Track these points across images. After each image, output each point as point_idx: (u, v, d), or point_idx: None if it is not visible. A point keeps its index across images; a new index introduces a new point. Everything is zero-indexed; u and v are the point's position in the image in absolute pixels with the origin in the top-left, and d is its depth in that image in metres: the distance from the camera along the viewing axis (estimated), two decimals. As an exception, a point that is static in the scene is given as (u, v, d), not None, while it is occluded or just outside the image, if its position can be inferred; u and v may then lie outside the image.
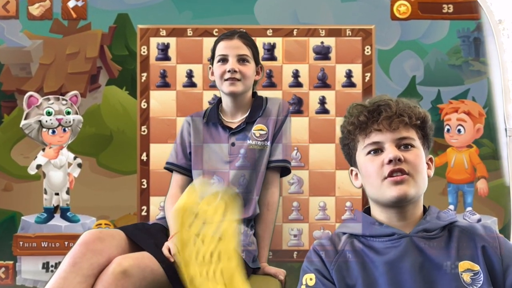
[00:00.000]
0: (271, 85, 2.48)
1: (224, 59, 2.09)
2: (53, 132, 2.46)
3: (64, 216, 2.47)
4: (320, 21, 2.49)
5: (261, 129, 2.11)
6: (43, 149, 2.47)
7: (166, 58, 2.49)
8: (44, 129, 2.46)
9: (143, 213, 2.45)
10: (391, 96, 1.44)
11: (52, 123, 2.45)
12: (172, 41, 2.49)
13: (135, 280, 1.70)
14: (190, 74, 2.49)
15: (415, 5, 2.47)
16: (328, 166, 2.45)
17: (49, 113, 2.45)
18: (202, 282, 1.17)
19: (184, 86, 2.49)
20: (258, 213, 2.10)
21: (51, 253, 2.43)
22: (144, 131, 2.48)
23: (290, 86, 2.49)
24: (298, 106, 2.48)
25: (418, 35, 2.48)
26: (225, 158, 2.10)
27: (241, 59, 2.09)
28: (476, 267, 1.33)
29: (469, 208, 2.44)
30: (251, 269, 2.02)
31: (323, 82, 2.49)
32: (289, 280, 2.07)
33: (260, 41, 2.43)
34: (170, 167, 2.16)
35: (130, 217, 2.45)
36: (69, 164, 2.48)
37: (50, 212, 2.46)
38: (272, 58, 2.49)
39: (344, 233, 1.45)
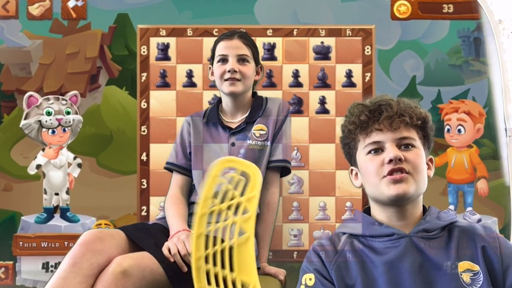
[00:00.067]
0: (271, 85, 2.48)
1: (224, 59, 2.09)
2: (53, 132, 2.46)
3: (64, 216, 2.47)
4: (320, 21, 2.49)
5: (261, 129, 2.11)
6: (43, 149, 2.47)
7: (166, 58, 2.49)
8: (44, 129, 2.46)
9: (143, 213, 2.45)
10: (392, 96, 1.45)
11: (52, 123, 2.45)
12: (172, 41, 2.49)
13: (135, 280, 1.70)
14: (190, 74, 2.49)
15: (415, 5, 2.47)
16: (328, 166, 2.45)
17: (49, 113, 2.45)
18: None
19: (184, 86, 2.49)
20: (258, 213, 2.10)
21: (51, 253, 2.43)
22: (144, 131, 2.47)
23: (290, 86, 2.49)
24: (298, 106, 2.47)
25: (418, 35, 2.48)
26: (225, 158, 2.10)
27: (241, 59, 2.09)
28: (476, 267, 1.33)
29: (469, 208, 2.44)
30: (251, 269, 2.01)
31: (323, 82, 2.48)
32: (289, 280, 2.07)
33: (260, 41, 2.43)
34: (170, 167, 2.16)
35: (130, 217, 2.44)
36: (69, 164, 2.48)
37: (50, 212, 2.46)
38: (272, 58, 2.49)
39: (344, 233, 1.45)
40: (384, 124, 1.39)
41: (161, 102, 2.48)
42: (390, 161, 1.36)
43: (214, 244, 1.13)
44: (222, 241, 1.14)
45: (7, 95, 2.48)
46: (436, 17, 2.47)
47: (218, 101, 2.19)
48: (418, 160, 1.38)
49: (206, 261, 1.13)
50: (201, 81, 2.48)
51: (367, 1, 2.49)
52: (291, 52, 2.49)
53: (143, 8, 2.48)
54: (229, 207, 1.16)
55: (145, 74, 2.49)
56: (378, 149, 1.40)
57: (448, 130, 2.46)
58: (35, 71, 2.48)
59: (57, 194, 2.47)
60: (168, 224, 2.00)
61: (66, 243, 2.42)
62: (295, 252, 2.44)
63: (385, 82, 2.47)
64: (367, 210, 1.47)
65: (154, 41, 2.49)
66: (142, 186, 2.46)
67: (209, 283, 1.12)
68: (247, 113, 2.13)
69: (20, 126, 2.45)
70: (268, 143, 2.10)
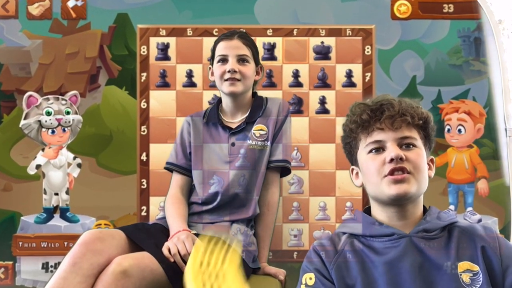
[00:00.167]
0: (271, 85, 2.48)
1: (224, 59, 2.09)
2: (53, 132, 2.46)
3: (63, 216, 2.46)
4: (320, 21, 2.48)
5: (261, 129, 2.11)
6: (43, 149, 2.47)
7: (166, 58, 2.49)
8: (43, 129, 2.46)
9: (143, 213, 2.45)
10: (393, 96, 1.45)
11: (51, 123, 2.45)
12: (172, 41, 2.49)
13: (135, 280, 1.70)
14: (190, 74, 2.49)
15: (415, 4, 2.47)
16: (328, 166, 2.45)
17: (48, 113, 2.45)
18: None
19: (184, 86, 2.49)
20: (258, 213, 2.10)
21: (50, 253, 2.43)
22: (144, 131, 2.47)
23: (290, 86, 2.49)
24: (298, 106, 2.47)
25: (419, 35, 2.48)
26: (225, 158, 2.10)
27: (241, 59, 2.09)
28: (476, 268, 1.33)
29: (469, 208, 2.44)
30: (251, 269, 2.02)
31: (323, 82, 2.48)
32: (289, 280, 2.07)
33: (260, 41, 2.42)
34: (170, 167, 2.16)
35: (129, 217, 2.44)
36: (69, 164, 2.48)
37: (50, 212, 2.46)
38: (272, 58, 2.49)
39: (344, 233, 1.45)
40: (386, 123, 1.39)
41: (161, 102, 2.48)
42: (391, 160, 1.36)
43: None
44: None
45: (6, 95, 2.48)
46: (437, 17, 2.47)
47: (218, 101, 2.19)
48: (419, 160, 1.39)
49: None
50: (201, 81, 2.48)
51: (367, 1, 2.48)
52: (291, 52, 2.49)
53: (143, 8, 2.48)
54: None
55: (145, 74, 2.48)
56: (379, 148, 1.40)
57: (449, 130, 2.46)
58: (35, 71, 2.47)
59: (56, 194, 2.47)
60: (168, 224, 2.00)
61: (65, 243, 2.42)
62: (295, 252, 2.44)
63: (385, 82, 2.47)
64: (367, 210, 1.47)
65: (154, 41, 2.49)
66: (142, 186, 2.46)
67: None
68: (247, 113, 2.13)
69: (20, 126, 2.45)
70: (268, 143, 2.10)
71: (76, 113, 2.47)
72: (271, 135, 2.11)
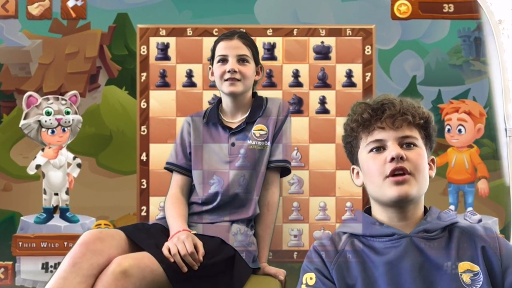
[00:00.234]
0: (271, 85, 2.48)
1: (224, 60, 2.09)
2: (53, 132, 2.46)
3: (63, 217, 2.46)
4: (320, 21, 2.48)
5: (261, 129, 2.11)
6: (43, 149, 2.47)
7: (166, 57, 2.49)
8: (43, 129, 2.45)
9: (143, 213, 2.45)
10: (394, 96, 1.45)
11: (51, 123, 2.45)
12: (171, 40, 2.49)
13: (135, 280, 1.70)
14: (190, 74, 2.49)
15: (415, 4, 2.47)
16: (328, 166, 2.45)
17: (48, 113, 2.44)
18: None
19: (184, 86, 2.49)
20: (258, 213, 2.10)
21: (50, 254, 2.43)
22: (143, 131, 2.47)
23: (290, 86, 2.49)
24: (298, 106, 2.47)
25: (419, 35, 2.48)
26: (225, 158, 2.10)
27: (241, 59, 2.09)
28: (476, 268, 1.33)
29: (469, 209, 2.44)
30: (251, 269, 2.01)
31: (323, 82, 2.48)
32: (289, 280, 2.07)
33: (260, 41, 2.42)
34: (170, 167, 2.15)
35: (129, 217, 2.44)
36: (69, 164, 2.48)
37: (50, 212, 2.46)
38: (272, 58, 2.49)
39: (345, 233, 1.45)
40: (387, 122, 1.39)
41: (161, 102, 2.48)
42: (392, 159, 1.36)
43: None
44: None
45: (6, 95, 2.48)
46: (437, 17, 2.47)
47: (218, 101, 2.19)
48: (420, 159, 1.38)
49: None
50: (201, 81, 2.48)
51: (368, 1, 2.48)
52: (291, 52, 2.49)
53: (143, 7, 2.48)
54: None
55: (144, 74, 2.48)
56: (380, 147, 1.40)
57: (449, 130, 2.46)
58: (35, 71, 2.47)
59: (56, 194, 2.47)
60: (168, 224, 2.00)
61: (65, 243, 2.42)
62: (295, 253, 2.44)
63: (386, 82, 2.47)
64: (368, 210, 1.47)
65: (153, 41, 2.49)
66: (142, 186, 2.46)
67: None
68: (247, 113, 2.13)
69: (20, 126, 2.44)
70: (268, 143, 2.10)
71: (76, 113, 2.47)
72: (271, 135, 2.10)
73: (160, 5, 2.48)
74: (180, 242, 1.83)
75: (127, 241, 1.86)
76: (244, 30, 2.24)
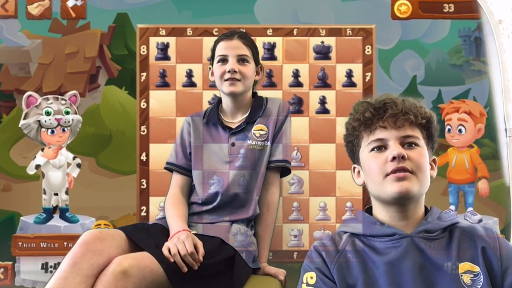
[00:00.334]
0: (271, 85, 2.48)
1: (224, 60, 2.09)
2: (52, 132, 2.45)
3: (63, 217, 2.46)
4: (321, 21, 2.48)
5: (261, 129, 2.11)
6: (42, 149, 2.46)
7: (166, 57, 2.49)
8: (43, 129, 2.45)
9: (143, 214, 2.45)
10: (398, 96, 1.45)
11: (51, 123, 2.45)
12: (171, 40, 2.49)
13: (135, 280, 1.69)
14: (189, 74, 2.49)
15: (415, 4, 2.47)
16: (328, 166, 2.45)
17: (48, 113, 2.44)
18: None
19: (184, 85, 2.49)
20: (258, 213, 2.09)
21: (50, 254, 2.42)
22: (143, 131, 2.47)
23: (290, 86, 2.48)
24: (298, 106, 2.47)
25: (419, 35, 2.48)
26: (225, 158, 2.09)
27: (241, 59, 2.09)
28: (476, 269, 1.33)
29: (470, 209, 2.44)
30: (251, 269, 2.01)
31: (324, 82, 2.48)
32: (289, 280, 2.07)
33: (260, 41, 2.42)
34: (170, 167, 2.15)
35: (129, 218, 2.44)
36: (68, 164, 2.47)
37: (49, 213, 2.46)
38: (272, 57, 2.49)
39: (345, 232, 1.44)
40: (389, 121, 1.39)
41: (160, 102, 2.48)
42: (393, 158, 1.35)
43: None
44: None
45: (6, 95, 2.47)
46: (437, 17, 2.46)
47: (218, 101, 2.19)
48: (421, 159, 1.38)
49: None
50: (201, 81, 2.48)
51: (368, 1, 2.48)
52: (291, 52, 2.49)
53: (143, 7, 2.48)
54: None
55: (144, 73, 2.48)
56: (381, 146, 1.40)
57: (449, 130, 2.46)
58: (34, 71, 2.47)
59: (56, 194, 2.46)
60: (168, 224, 2.00)
61: (65, 243, 2.42)
62: (295, 253, 2.44)
63: (386, 82, 2.47)
64: (368, 210, 1.47)
65: (153, 41, 2.49)
66: (142, 186, 2.46)
67: None
68: (247, 113, 2.13)
69: (19, 126, 2.44)
70: (268, 143, 2.10)
71: (76, 113, 2.47)
72: (271, 135, 2.10)
73: (160, 5, 2.48)
74: (180, 242, 1.83)
75: (127, 241, 1.85)
76: (244, 30, 2.24)
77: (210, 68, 2.17)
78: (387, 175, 1.36)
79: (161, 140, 2.45)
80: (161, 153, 2.37)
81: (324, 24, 2.48)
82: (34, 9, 2.47)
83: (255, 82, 2.18)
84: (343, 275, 1.36)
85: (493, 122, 2.45)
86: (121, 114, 2.49)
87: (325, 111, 2.47)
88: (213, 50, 2.15)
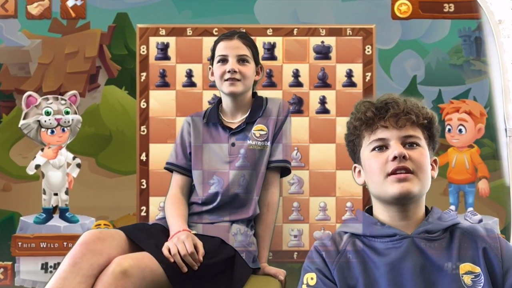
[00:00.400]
0: (271, 84, 2.48)
1: (224, 60, 2.09)
2: (52, 132, 2.45)
3: (63, 217, 2.46)
4: (321, 21, 2.48)
5: (261, 129, 2.11)
6: (42, 149, 2.46)
7: (166, 57, 2.49)
8: (43, 129, 2.45)
9: (143, 214, 2.45)
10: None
11: (51, 123, 2.45)
12: (171, 40, 2.48)
13: (135, 280, 1.69)
14: (189, 74, 2.49)
15: (416, 4, 2.47)
16: (328, 166, 2.45)
17: (48, 113, 2.44)
18: None
19: (184, 85, 2.48)
20: (258, 213, 2.09)
21: (50, 254, 2.42)
22: (143, 131, 2.47)
23: (290, 85, 2.48)
24: (298, 106, 2.47)
25: (419, 35, 2.48)
26: (225, 158, 2.09)
27: (241, 59, 2.09)
28: (477, 269, 1.33)
29: (470, 209, 2.44)
30: (251, 270, 2.01)
31: (324, 82, 2.48)
32: (289, 281, 2.06)
33: (260, 41, 2.42)
34: (170, 167, 2.15)
35: (129, 218, 2.44)
36: (68, 164, 2.47)
37: (49, 213, 2.46)
38: (272, 57, 2.49)
39: (346, 233, 1.44)
40: (390, 121, 1.39)
41: (160, 102, 2.48)
42: (394, 158, 1.35)
43: None
44: None
45: (6, 94, 2.47)
46: (437, 17, 2.46)
47: (218, 101, 2.19)
48: (422, 159, 1.38)
49: None
50: (201, 80, 2.48)
51: (368, 1, 2.48)
52: (291, 52, 2.48)
53: (143, 7, 2.48)
54: None
55: (144, 73, 2.48)
56: (382, 146, 1.40)
57: (449, 130, 2.46)
58: (34, 71, 2.47)
59: (56, 194, 2.46)
60: (168, 224, 2.00)
61: (65, 243, 2.42)
62: (295, 253, 2.44)
63: (386, 81, 2.47)
64: (369, 210, 1.46)
65: (153, 41, 2.48)
66: (142, 186, 2.46)
67: None
68: (247, 113, 2.13)
69: (19, 126, 2.44)
70: (268, 143, 2.10)
71: (76, 113, 2.47)
72: (271, 135, 2.10)
73: (160, 5, 2.48)
74: (180, 242, 1.83)
75: (127, 241, 1.85)
76: (244, 30, 2.24)
77: (210, 68, 2.16)
78: (388, 175, 1.36)
79: (161, 140, 2.45)
80: (161, 153, 2.37)
81: (324, 24, 2.48)
82: (34, 9, 2.47)
83: (255, 82, 2.17)
84: (343, 276, 1.36)
85: (493, 122, 2.45)
86: (121, 114, 2.48)
87: (325, 111, 2.47)
88: (213, 50, 2.15)
